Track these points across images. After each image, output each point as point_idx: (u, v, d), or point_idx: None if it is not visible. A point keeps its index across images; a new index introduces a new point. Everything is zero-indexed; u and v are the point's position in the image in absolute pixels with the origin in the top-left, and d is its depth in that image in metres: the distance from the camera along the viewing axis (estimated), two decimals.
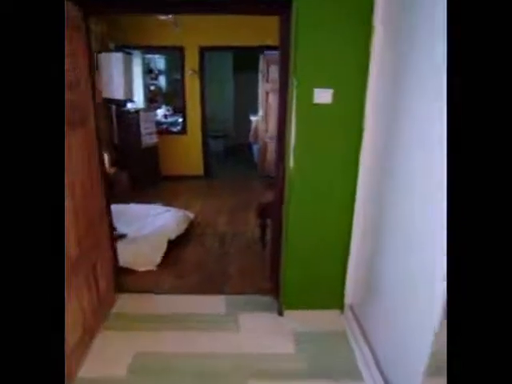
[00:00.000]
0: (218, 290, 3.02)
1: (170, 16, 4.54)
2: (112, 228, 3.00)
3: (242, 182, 6.33)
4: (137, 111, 5.63)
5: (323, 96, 2.19)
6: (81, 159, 2.24)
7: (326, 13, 2.09)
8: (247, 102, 9.28)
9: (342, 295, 2.68)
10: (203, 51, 6.06)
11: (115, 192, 5.10)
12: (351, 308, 2.63)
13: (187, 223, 4.13)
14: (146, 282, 3.11)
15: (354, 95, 2.22)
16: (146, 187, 5.74)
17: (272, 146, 6.32)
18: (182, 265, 3.43)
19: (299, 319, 2.64)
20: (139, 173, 5.71)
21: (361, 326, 2.42)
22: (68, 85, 2.02)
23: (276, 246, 2.83)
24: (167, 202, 5.01)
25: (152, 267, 3.31)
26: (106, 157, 5.17)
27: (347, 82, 2.20)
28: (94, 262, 2.44)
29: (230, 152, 8.96)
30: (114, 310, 2.76)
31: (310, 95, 2.18)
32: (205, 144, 6.47)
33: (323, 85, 2.18)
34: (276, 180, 2.73)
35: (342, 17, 2.10)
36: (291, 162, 2.35)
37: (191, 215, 4.48)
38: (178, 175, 6.38)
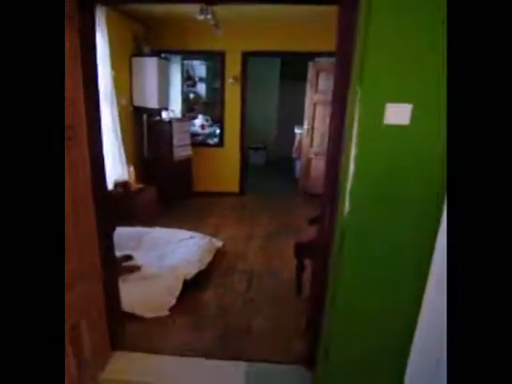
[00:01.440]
0: (238, 353, 2.36)
1: (210, 16, 4.00)
2: (113, 263, 2.43)
3: (282, 201, 5.66)
4: (169, 121, 5.13)
5: (398, 114, 1.49)
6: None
7: None
8: (292, 114, 8.67)
9: None
10: (246, 56, 5.49)
11: (139, 210, 4.61)
12: None
13: (212, 255, 3.52)
14: (151, 335, 2.51)
15: (441, 115, 1.49)
16: (175, 204, 5.22)
17: (316, 163, 5.64)
18: (198, 312, 2.81)
19: None
20: (169, 188, 5.20)
21: None
22: None
23: (316, 301, 2.15)
24: (195, 224, 4.46)
25: (162, 313, 2.71)
26: (131, 171, 4.71)
27: (434, 95, 1.47)
28: (75, 320, 1.87)
29: (271, 165, 8.35)
30: (105, 374, 2.17)
31: (380, 112, 1.48)
32: (242, 158, 5.88)
33: (399, 98, 1.48)
34: (321, 224, 2.05)
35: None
36: (346, 206, 1.66)
37: (219, 243, 3.87)
38: (210, 192, 5.83)
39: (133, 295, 2.72)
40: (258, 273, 3.44)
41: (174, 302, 2.76)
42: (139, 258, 3.33)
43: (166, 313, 2.71)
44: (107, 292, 2.23)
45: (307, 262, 2.99)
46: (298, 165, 6.51)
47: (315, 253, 2.25)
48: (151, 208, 4.82)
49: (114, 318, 2.34)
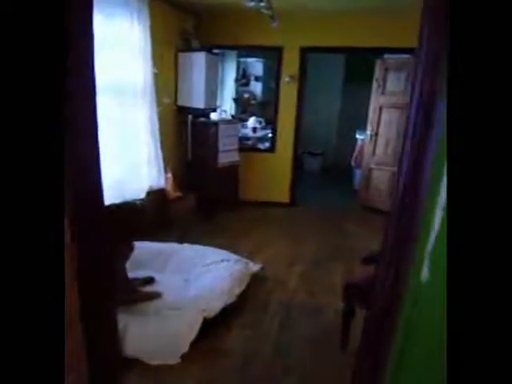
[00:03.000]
0: None
1: (263, 4, 3.48)
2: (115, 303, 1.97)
3: (337, 216, 4.99)
4: (215, 123, 4.69)
5: None
6: None
7: None
8: (355, 118, 7.93)
9: None
10: (305, 53, 4.91)
11: (174, 221, 4.23)
12: None
13: (245, 283, 2.99)
14: None
15: None
16: (216, 215, 4.77)
17: (378, 174, 4.91)
18: (216, 361, 2.29)
19: None
20: (210, 197, 4.77)
21: None
22: None
23: (368, 361, 1.54)
24: (234, 240, 3.99)
25: (173, 360, 2.23)
26: (169, 177, 4.33)
27: None
28: None
29: (328, 172, 7.67)
30: None
31: None
32: (295, 165, 5.30)
33: None
34: (379, 282, 1.44)
35: None
36: (424, 271, 1.05)
37: (256, 267, 3.34)
38: (258, 201, 5.31)
39: (142, 335, 2.26)
40: (296, 308, 2.85)
41: (186, 349, 2.26)
42: (162, 282, 2.90)
43: (178, 360, 2.22)
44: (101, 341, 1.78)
45: (357, 309, 2.36)
46: (358, 175, 5.80)
47: (369, 302, 1.65)
48: (188, 219, 4.41)
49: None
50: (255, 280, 3.16)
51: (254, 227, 4.51)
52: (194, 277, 3.03)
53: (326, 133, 7.80)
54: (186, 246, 3.58)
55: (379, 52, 4.92)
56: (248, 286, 3.00)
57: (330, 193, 6.26)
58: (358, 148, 5.76)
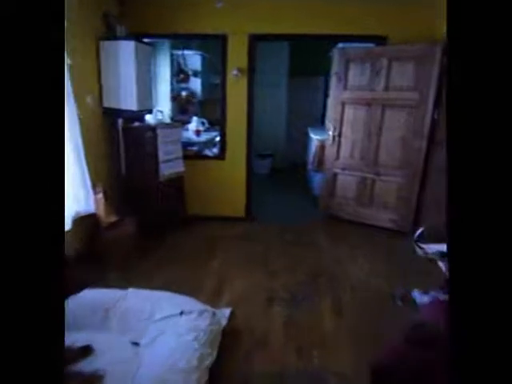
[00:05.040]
0: None
1: None
2: None
3: (302, 231, 4.33)
4: (153, 128, 3.82)
5: None
6: None
7: None
8: (304, 114, 7.45)
9: None
10: (254, 41, 4.19)
11: (111, 254, 3.32)
12: None
13: (217, 346, 2.22)
14: None
15: None
16: (164, 240, 3.91)
17: (344, 180, 4.38)
18: None
19: None
20: (154, 218, 3.90)
21: None
22: None
23: None
24: (189, 273, 3.21)
25: None
26: (98, 199, 3.39)
27: None
28: None
29: (278, 174, 7.07)
30: None
31: None
32: (249, 173, 4.58)
33: None
34: None
35: None
36: None
37: (225, 316, 2.58)
38: (210, 216, 4.53)
39: None
40: (290, 379, 2.14)
41: None
42: (103, 351, 2.03)
43: None
44: None
45: None
46: (317, 179, 5.23)
47: None
48: (129, 250, 3.51)
49: None
50: (226, 337, 2.39)
51: (210, 252, 3.72)
52: (147, 341, 2.20)
53: (273, 132, 7.18)
54: (130, 292, 2.70)
55: (338, 40, 4.37)
56: (219, 348, 2.23)
57: (287, 200, 5.62)
58: (315, 149, 5.18)
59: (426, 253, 2.28)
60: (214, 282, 3.15)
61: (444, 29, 3.53)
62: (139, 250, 3.57)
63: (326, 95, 7.08)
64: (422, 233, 2.40)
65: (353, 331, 2.52)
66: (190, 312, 2.41)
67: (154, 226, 3.91)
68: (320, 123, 7.31)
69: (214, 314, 2.46)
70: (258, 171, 6.95)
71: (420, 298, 2.57)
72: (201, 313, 2.41)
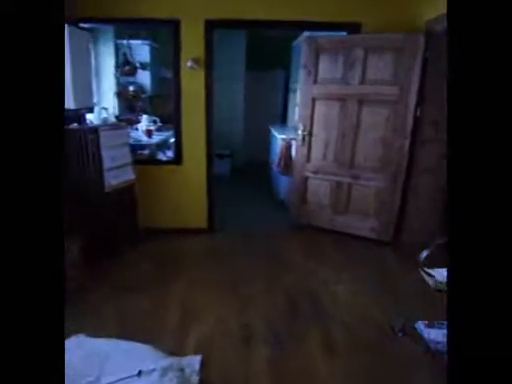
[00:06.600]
0: None
1: None
2: None
3: (272, 242, 3.89)
4: (95, 129, 3.19)
5: None
6: None
7: None
8: (263, 111, 7.02)
9: None
10: (212, 27, 3.65)
11: None
12: None
13: None
14: None
15: None
16: (114, 261, 3.30)
17: (316, 184, 3.99)
18: None
19: None
20: (102, 235, 3.28)
21: None
22: None
23: None
24: (147, 306, 2.67)
25: None
26: None
27: None
28: None
29: (240, 176, 6.59)
30: None
31: None
32: (211, 179, 4.06)
33: None
34: None
35: None
36: None
37: (194, 369, 2.06)
38: (167, 229, 3.96)
39: None
40: None
41: None
42: None
43: None
44: None
45: None
46: (284, 183, 4.81)
47: None
48: (72, 278, 2.86)
49: None
50: None
51: (170, 274, 3.17)
52: None
53: (231, 130, 6.67)
54: (72, 341, 2.13)
55: (305, 27, 3.94)
56: None
57: (250, 205, 5.14)
58: (280, 150, 4.74)
59: (439, 281, 1.90)
60: (178, 315, 2.61)
61: (427, 16, 3.19)
62: (87, 277, 2.94)
63: (287, 90, 6.69)
64: (427, 255, 2.02)
65: (350, 374, 2.11)
66: (152, 370, 1.89)
67: (103, 244, 3.29)
68: (281, 120, 6.90)
69: (181, 370, 1.95)
70: (218, 172, 6.39)
71: (426, 331, 2.20)
72: (165, 371, 1.89)
